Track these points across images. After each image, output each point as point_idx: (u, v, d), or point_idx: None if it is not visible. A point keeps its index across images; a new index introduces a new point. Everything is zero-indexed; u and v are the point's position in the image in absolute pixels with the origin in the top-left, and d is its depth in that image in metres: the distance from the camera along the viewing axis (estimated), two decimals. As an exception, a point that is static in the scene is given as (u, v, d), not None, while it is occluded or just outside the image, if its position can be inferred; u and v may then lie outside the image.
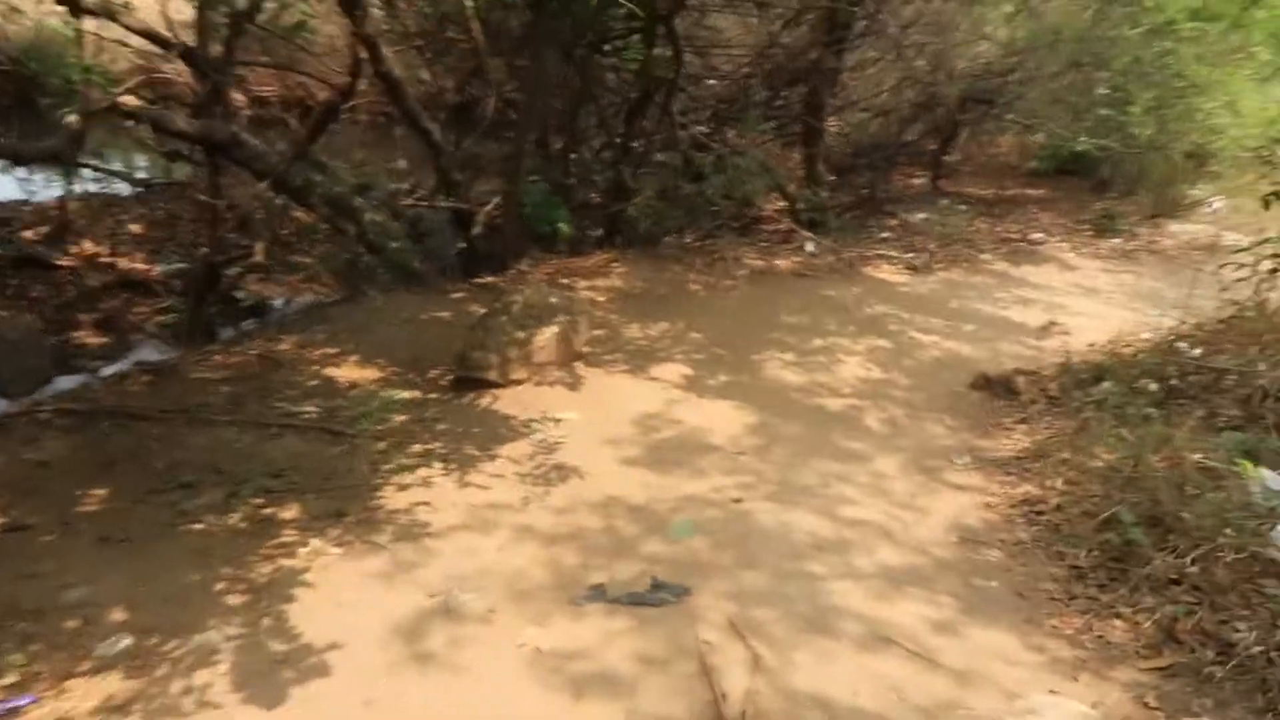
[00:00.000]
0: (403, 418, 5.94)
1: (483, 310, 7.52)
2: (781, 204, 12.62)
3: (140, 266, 11.22)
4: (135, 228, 12.35)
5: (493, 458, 5.36)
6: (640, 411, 6.10)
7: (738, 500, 4.94)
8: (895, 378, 7.10)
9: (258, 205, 10.54)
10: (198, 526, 4.52)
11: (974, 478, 5.46)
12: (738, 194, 10.75)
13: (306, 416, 5.93)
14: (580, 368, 6.72)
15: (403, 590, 4.01)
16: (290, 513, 4.66)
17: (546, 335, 6.45)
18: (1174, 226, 12.44)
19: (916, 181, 14.61)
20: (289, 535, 4.41)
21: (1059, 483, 5.21)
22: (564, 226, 9.91)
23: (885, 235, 11.52)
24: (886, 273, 9.86)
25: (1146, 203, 12.95)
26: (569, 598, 4.01)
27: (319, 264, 9.17)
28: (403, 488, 4.95)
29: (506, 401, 6.18)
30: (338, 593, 3.96)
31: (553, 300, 6.71)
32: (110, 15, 7.31)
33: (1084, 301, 9.48)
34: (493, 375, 6.28)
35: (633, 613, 3.90)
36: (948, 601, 4.14)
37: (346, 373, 6.65)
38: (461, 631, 3.76)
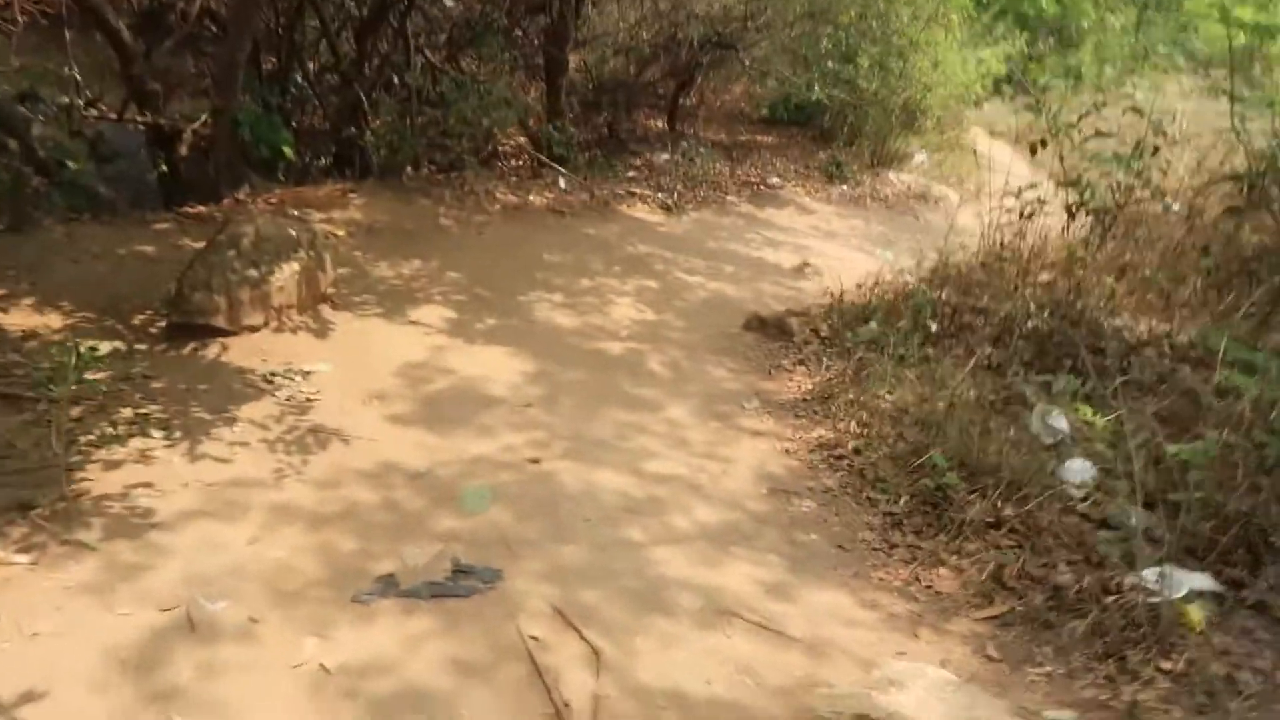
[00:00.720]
0: (103, 375, 4.71)
1: (196, 245, 6.27)
2: (522, 139, 11.91)
3: None
4: None
5: (230, 422, 4.33)
6: (404, 361, 5.25)
7: (535, 461, 4.28)
8: (668, 319, 6.68)
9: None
10: None
11: (766, 422, 5.14)
12: (479, 126, 9.87)
13: (-35, 376, 4.57)
14: (327, 311, 5.72)
15: (125, 605, 3.01)
16: (-49, 508, 3.44)
17: (286, 274, 5.39)
18: (891, 175, 12.98)
19: (654, 124, 14.32)
20: (-50, 540, 3.23)
21: (851, 425, 5.00)
22: (287, 150, 8.59)
23: (632, 174, 11.10)
24: (641, 212, 9.44)
25: (866, 153, 13.43)
26: (352, 595, 3.19)
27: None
28: (112, 465, 3.84)
29: (240, 351, 5.10)
30: (30, 619, 2.88)
31: (291, 233, 5.63)
32: None
33: (826, 244, 9.58)
34: (220, 320, 5.16)
35: (436, 607, 3.16)
36: (774, 560, 3.75)
37: (19, 320, 5.23)
38: (215, 654, 2.84)
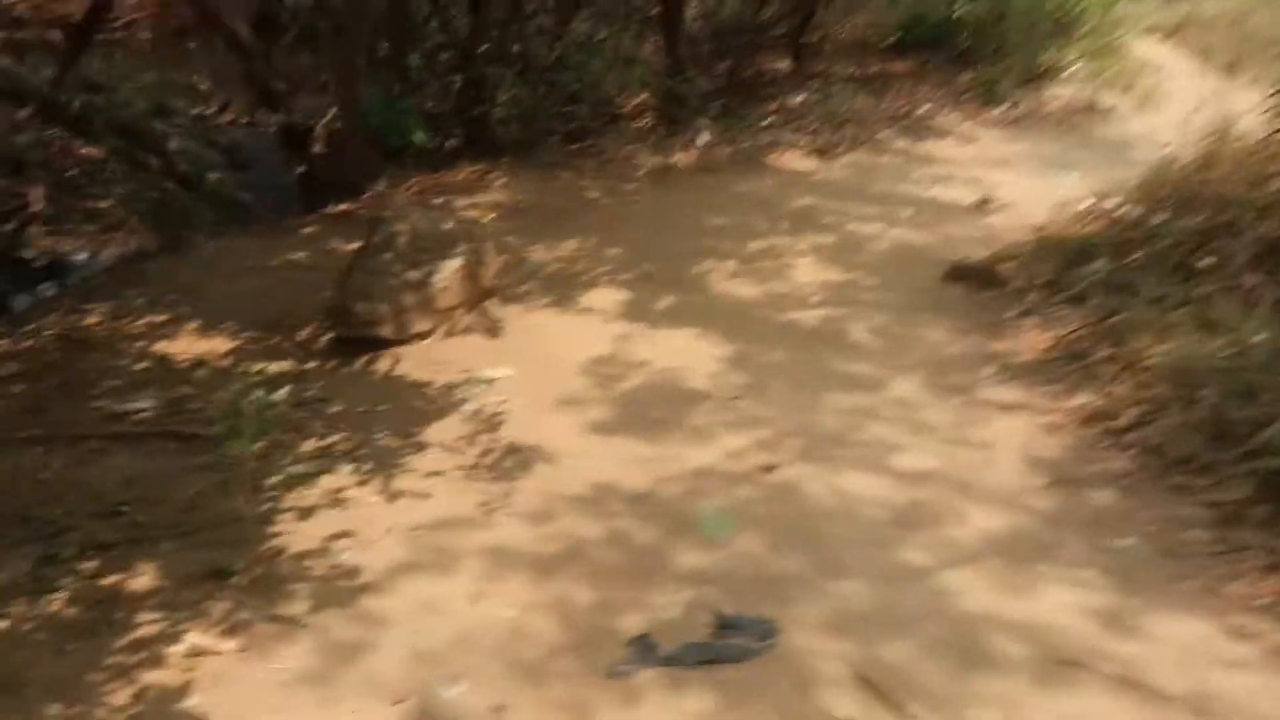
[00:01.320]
0: (279, 401, 4.29)
1: (348, 247, 5.83)
2: (645, 96, 11.18)
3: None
4: None
5: (419, 447, 3.82)
6: (588, 355, 4.66)
7: (768, 468, 3.62)
8: (857, 278, 5.90)
9: (29, 142, 8.31)
10: (-6, 625, 2.84)
11: (1013, 392, 4.35)
12: (604, 88, 9.18)
13: (141, 416, 4.20)
14: (494, 307, 5.18)
15: (352, 699, 2.51)
16: (143, 580, 3.02)
17: (448, 272, 4.86)
18: (1048, 91, 11.70)
19: (778, 65, 13.33)
20: (149, 624, 2.79)
21: (1122, 389, 4.16)
22: (419, 135, 8.12)
23: (768, 122, 10.22)
24: (792, 160, 8.61)
25: (1016, 69, 12.16)
26: (606, 668, 2.61)
27: (124, 208, 7.08)
28: (306, 513, 3.37)
29: (413, 362, 4.61)
30: (248, 724, 2.41)
31: (446, 226, 5.09)
32: None
33: (999, 174, 8.55)
34: (387, 331, 4.67)
35: (707, 678, 2.56)
36: (1093, 578, 3.00)
37: (186, 347, 4.87)
38: (465, 761, 2.31)
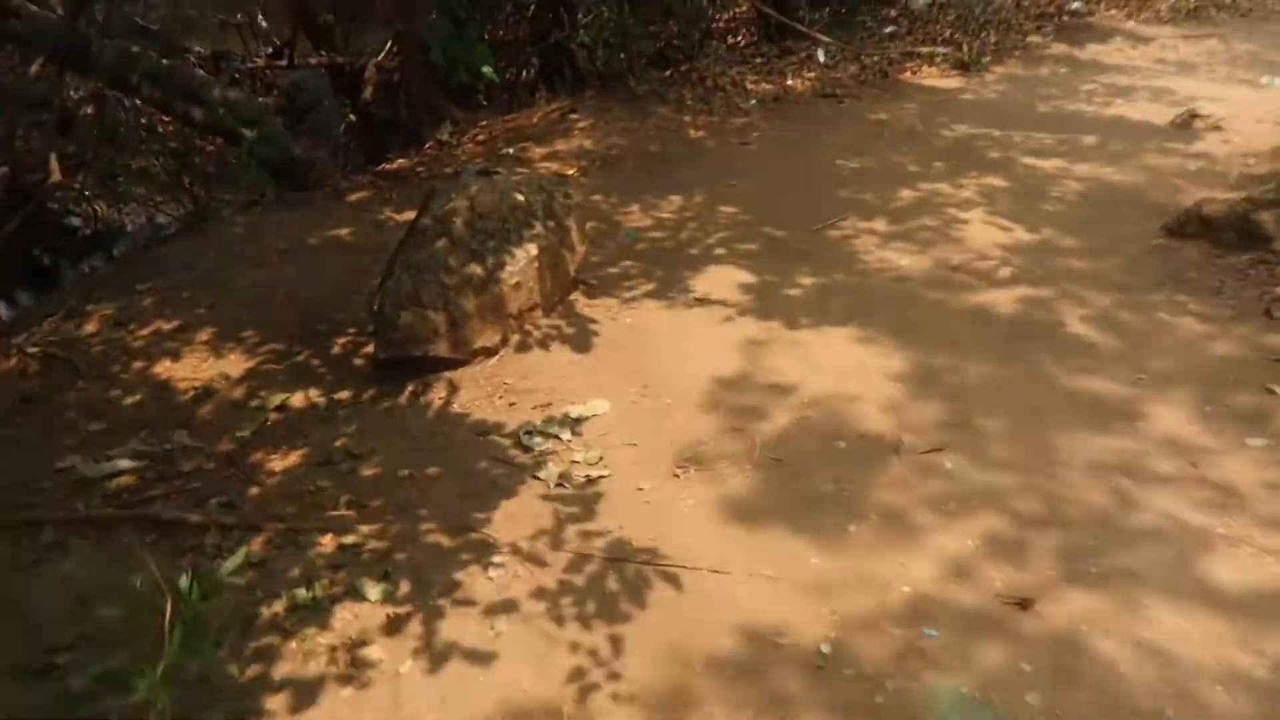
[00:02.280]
0: (296, 457, 3.07)
1: (400, 219, 4.54)
2: (741, 7, 9.51)
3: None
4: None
5: (481, 549, 2.53)
6: (709, 375, 3.28)
7: (1022, 603, 2.22)
8: (1050, 236, 4.35)
9: (59, 93, 7.17)
10: None
11: (1347, 426, 2.83)
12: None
13: (117, 483, 3.03)
14: (581, 302, 3.83)
15: None
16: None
17: (522, 262, 3.51)
18: (1224, -26, 9.56)
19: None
20: None
21: None
22: (488, 70, 6.69)
23: (891, 30, 8.48)
24: (932, 77, 6.93)
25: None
26: None
27: (165, 170, 5.89)
28: (304, 692, 2.12)
29: (474, 391, 3.31)
30: None
31: (519, 196, 3.72)
32: None
33: (1190, 81, 6.72)
34: (441, 347, 3.37)
35: None
36: None
37: (193, 369, 3.67)
38: None
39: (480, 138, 6.17)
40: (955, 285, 3.93)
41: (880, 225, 4.53)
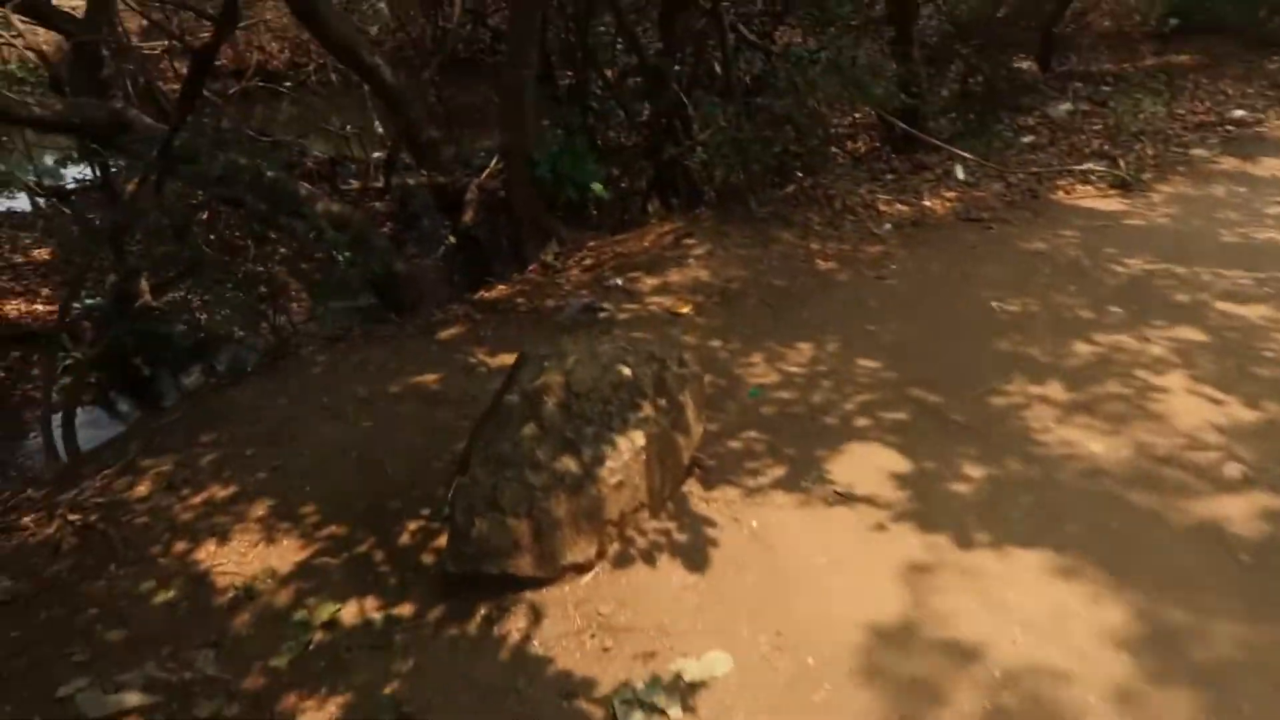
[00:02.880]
0: (335, 707, 2.39)
1: (494, 364, 3.94)
2: (863, 115, 8.87)
3: (42, 309, 7.72)
4: (38, 254, 8.78)
5: None
6: (865, 620, 2.48)
7: None
8: (1278, 415, 3.40)
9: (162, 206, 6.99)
10: None
11: None
12: (820, 108, 6.90)
13: (121, 728, 2.40)
14: (697, 496, 3.09)
15: None
16: None
17: (626, 455, 2.79)
18: None
19: (1022, 66, 10.58)
20: None
21: None
22: (598, 187, 6.16)
23: (1030, 139, 7.68)
24: (1088, 197, 6.05)
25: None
26: None
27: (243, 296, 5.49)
28: None
29: (559, 623, 2.58)
30: None
31: (625, 370, 3.01)
32: None
33: (1402, 204, 5.67)
34: (523, 564, 2.67)
35: None
36: None
37: (239, 555, 3.07)
38: None
39: (587, 261, 5.59)
40: (1168, 486, 3.03)
41: (1056, 392, 3.67)
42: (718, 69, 7.49)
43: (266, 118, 10.79)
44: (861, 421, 3.53)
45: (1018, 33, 10.50)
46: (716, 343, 4.25)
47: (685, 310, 4.57)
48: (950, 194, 6.07)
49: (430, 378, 4.10)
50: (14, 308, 7.76)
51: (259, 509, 3.30)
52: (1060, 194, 6.07)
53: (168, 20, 9.15)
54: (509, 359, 3.93)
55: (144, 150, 6.76)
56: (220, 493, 3.44)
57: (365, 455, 3.57)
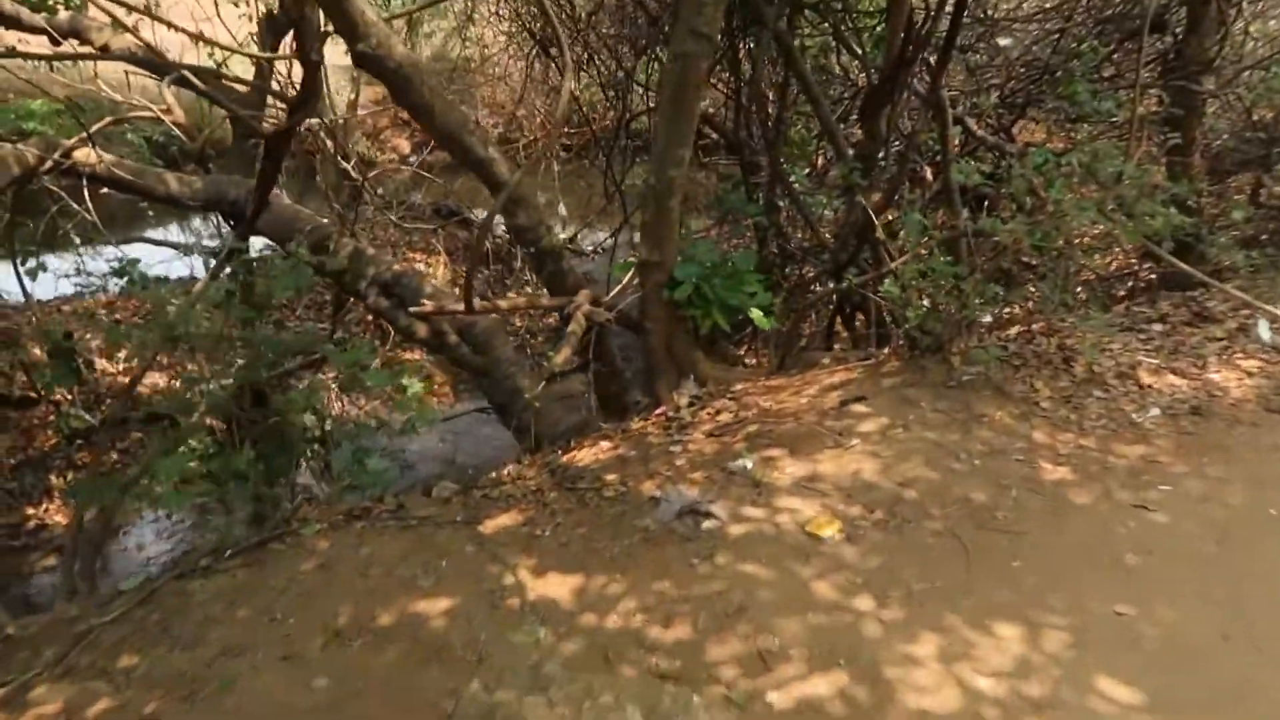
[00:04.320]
0: None
1: (524, 605, 2.61)
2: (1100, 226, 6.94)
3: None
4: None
5: None
6: None
7: None
8: None
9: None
10: None
11: None
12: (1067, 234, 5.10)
13: None
14: None
15: None
16: None
17: None
18: None
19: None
20: None
21: None
22: (758, 315, 4.76)
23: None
24: None
25: None
26: None
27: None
28: None
29: None
30: None
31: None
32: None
33: None
34: None
35: None
36: None
37: None
38: None
39: (723, 417, 4.19)
40: None
41: None
42: (928, 173, 5.95)
43: (442, 190, 10.29)
44: None
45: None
46: (866, 602, 2.70)
47: (830, 532, 3.05)
48: (1250, 363, 4.16)
49: (439, 606, 2.81)
50: (152, 382, 7.26)
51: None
52: None
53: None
54: (556, 588, 2.61)
55: (283, 233, 6.11)
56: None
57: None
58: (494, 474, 3.95)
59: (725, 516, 3.16)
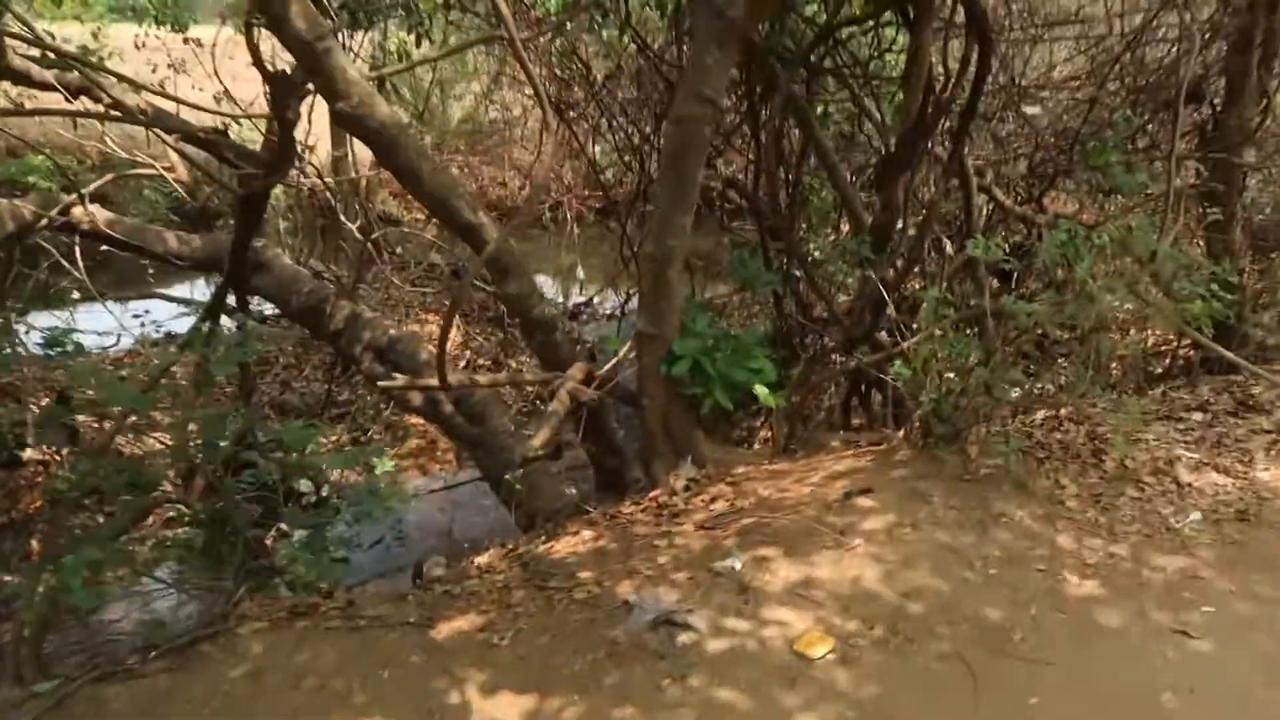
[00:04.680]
0: None
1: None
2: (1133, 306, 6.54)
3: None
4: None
5: None
6: None
7: None
8: None
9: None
10: None
11: None
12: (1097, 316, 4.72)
13: None
14: None
15: None
16: None
17: None
18: None
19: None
20: None
21: None
22: (764, 393, 4.43)
23: None
24: None
25: None
26: None
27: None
28: None
29: None
30: None
31: None
32: None
33: None
34: None
35: None
36: None
37: None
38: None
39: (718, 506, 3.85)
40: None
41: None
42: (948, 246, 5.63)
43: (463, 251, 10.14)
44: None
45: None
46: (857, 745, 2.32)
47: (822, 652, 2.67)
48: (1308, 462, 3.74)
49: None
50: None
51: None
52: None
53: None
54: (505, 710, 2.29)
55: (280, 293, 5.95)
56: None
57: None
58: (464, 563, 3.63)
59: (704, 628, 2.80)
